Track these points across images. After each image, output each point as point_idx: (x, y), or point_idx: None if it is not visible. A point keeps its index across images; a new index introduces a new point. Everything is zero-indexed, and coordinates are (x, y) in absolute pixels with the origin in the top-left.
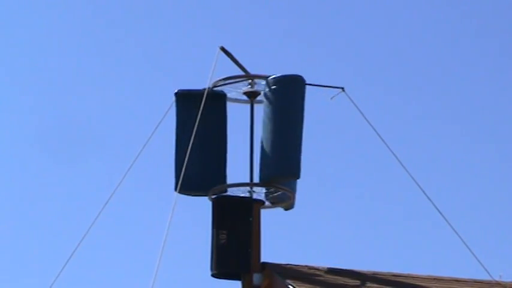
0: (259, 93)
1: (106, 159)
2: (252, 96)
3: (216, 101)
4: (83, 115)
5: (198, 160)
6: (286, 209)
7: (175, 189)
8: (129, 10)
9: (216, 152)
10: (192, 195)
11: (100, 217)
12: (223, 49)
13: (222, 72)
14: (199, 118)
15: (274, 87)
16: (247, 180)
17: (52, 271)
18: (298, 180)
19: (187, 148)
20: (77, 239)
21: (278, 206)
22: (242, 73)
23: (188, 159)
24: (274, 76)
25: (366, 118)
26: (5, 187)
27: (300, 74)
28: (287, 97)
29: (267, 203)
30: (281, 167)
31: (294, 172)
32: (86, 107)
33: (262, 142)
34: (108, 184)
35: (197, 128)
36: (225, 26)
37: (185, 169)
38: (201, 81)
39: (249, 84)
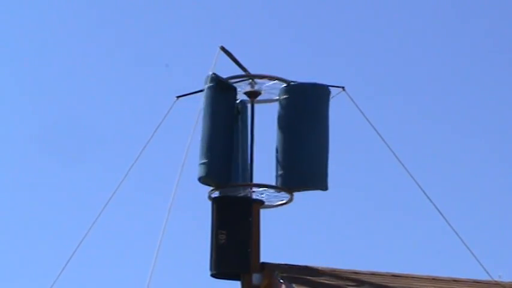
0: (260, 93)
1: (107, 159)
2: (252, 96)
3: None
4: (83, 115)
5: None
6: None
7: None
8: (129, 10)
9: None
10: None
11: (100, 217)
12: (223, 49)
13: (222, 72)
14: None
15: (310, 94)
16: (247, 181)
17: (52, 271)
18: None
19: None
20: (77, 239)
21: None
22: (242, 73)
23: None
24: (298, 83)
25: (366, 117)
26: (5, 187)
27: (301, 73)
28: (320, 107)
29: (268, 203)
30: (313, 178)
31: (325, 185)
32: (86, 107)
33: (288, 145)
34: (109, 184)
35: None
36: (225, 25)
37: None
38: (201, 81)
39: (250, 84)
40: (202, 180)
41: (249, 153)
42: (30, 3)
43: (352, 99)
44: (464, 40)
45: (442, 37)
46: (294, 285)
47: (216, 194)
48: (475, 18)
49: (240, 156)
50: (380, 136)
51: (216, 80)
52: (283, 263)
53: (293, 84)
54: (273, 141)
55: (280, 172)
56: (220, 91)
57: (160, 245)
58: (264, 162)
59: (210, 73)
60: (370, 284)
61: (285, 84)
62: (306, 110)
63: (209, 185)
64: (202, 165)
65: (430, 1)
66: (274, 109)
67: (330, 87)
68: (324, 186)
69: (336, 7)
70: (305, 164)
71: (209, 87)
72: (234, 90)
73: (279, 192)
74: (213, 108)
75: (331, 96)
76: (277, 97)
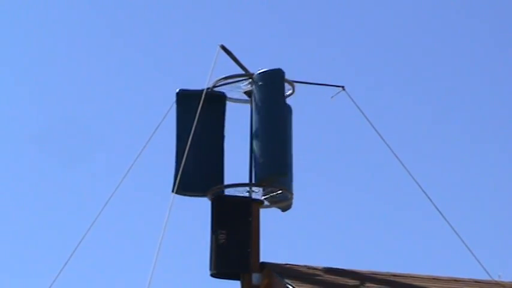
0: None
1: (107, 159)
2: (252, 95)
3: (216, 102)
4: (82, 115)
5: (196, 161)
6: (283, 210)
7: (172, 190)
8: (129, 9)
9: (214, 153)
10: (189, 196)
11: (100, 217)
12: (223, 48)
13: (222, 71)
14: (199, 119)
15: (259, 83)
16: (247, 180)
17: (52, 271)
18: (293, 179)
19: (186, 148)
20: (76, 238)
21: (276, 207)
22: (242, 72)
23: (186, 159)
24: (259, 72)
25: (366, 117)
26: (5, 188)
27: (301, 72)
28: (267, 93)
29: (266, 203)
30: (268, 166)
31: (281, 171)
32: (86, 107)
33: (253, 141)
34: (109, 184)
35: (196, 128)
36: (225, 24)
37: (183, 169)
38: (201, 80)
39: (249, 83)
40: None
41: (249, 153)
42: (30, 4)
43: (351, 99)
44: (464, 40)
45: (442, 37)
46: (294, 285)
47: (216, 194)
48: (475, 18)
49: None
50: (379, 135)
51: (181, 95)
52: (283, 263)
53: (254, 76)
54: None
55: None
56: (185, 104)
57: (160, 245)
58: None
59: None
60: (371, 283)
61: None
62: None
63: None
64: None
65: (430, 1)
66: None
67: (330, 87)
68: (283, 173)
69: (336, 7)
70: (263, 154)
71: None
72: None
73: (278, 192)
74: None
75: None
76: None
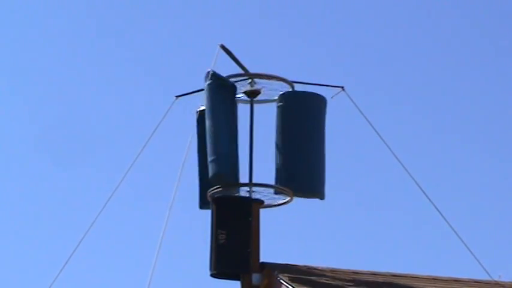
0: (259, 93)
1: (106, 159)
2: (252, 95)
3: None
4: (81, 116)
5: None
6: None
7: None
8: (128, 10)
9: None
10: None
11: (100, 218)
12: (223, 47)
13: (221, 70)
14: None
15: (294, 101)
16: (247, 180)
17: (51, 271)
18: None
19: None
20: (76, 239)
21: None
22: (242, 72)
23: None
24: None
25: (365, 117)
26: (4, 188)
27: (300, 72)
28: (318, 116)
29: (267, 203)
30: (312, 187)
31: (322, 194)
32: (84, 107)
33: (287, 155)
34: (108, 185)
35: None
36: (225, 24)
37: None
38: (201, 80)
39: (249, 83)
40: (214, 178)
41: (249, 153)
42: (29, 4)
43: (351, 99)
44: (463, 41)
45: (441, 37)
46: (294, 285)
47: (217, 193)
48: (475, 18)
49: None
50: (379, 136)
51: (215, 77)
52: (283, 263)
53: (292, 92)
54: (273, 141)
55: (280, 178)
56: (221, 88)
57: (160, 245)
58: (264, 162)
59: (209, 70)
60: (370, 283)
61: (285, 90)
62: (305, 118)
63: (219, 183)
64: (212, 163)
65: (430, 1)
66: (273, 109)
67: (330, 87)
68: (321, 196)
69: (336, 6)
70: (304, 173)
71: (209, 85)
72: (234, 88)
73: (278, 193)
74: (216, 106)
75: (326, 104)
76: (276, 102)
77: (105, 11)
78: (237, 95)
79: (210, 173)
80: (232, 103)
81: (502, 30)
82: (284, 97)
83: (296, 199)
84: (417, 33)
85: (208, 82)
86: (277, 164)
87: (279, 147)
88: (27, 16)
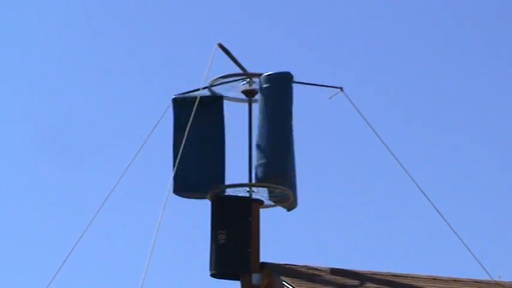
0: (257, 92)
1: (104, 160)
2: (250, 94)
3: (213, 103)
4: (80, 116)
5: (196, 162)
6: (288, 210)
7: (174, 191)
8: (126, 10)
9: (215, 153)
10: (191, 198)
11: (96, 218)
12: (221, 46)
13: (219, 69)
14: (197, 121)
15: (265, 85)
16: (247, 180)
17: (49, 271)
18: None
19: (185, 151)
20: (73, 239)
21: (280, 206)
22: (240, 71)
23: (186, 161)
24: (266, 74)
25: (364, 118)
26: (2, 188)
27: (299, 73)
28: (276, 95)
29: (267, 203)
30: (268, 168)
31: (280, 173)
32: (83, 108)
33: (257, 142)
34: (105, 186)
35: (195, 130)
36: (222, 23)
37: (184, 171)
38: (199, 78)
39: (247, 82)
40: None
41: (248, 152)
42: (28, 4)
43: (350, 100)
44: (463, 41)
45: (440, 37)
46: (294, 285)
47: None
48: (475, 18)
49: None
50: (378, 136)
51: (177, 100)
52: (283, 263)
53: (261, 77)
54: None
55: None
56: (186, 107)
57: (154, 246)
58: None
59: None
60: (371, 283)
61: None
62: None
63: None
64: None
65: (430, 1)
66: None
67: (328, 87)
68: (283, 176)
69: (335, 7)
70: (264, 155)
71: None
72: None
73: (278, 192)
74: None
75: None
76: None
77: (103, 11)
78: (233, 96)
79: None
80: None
81: (501, 30)
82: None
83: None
84: (416, 33)
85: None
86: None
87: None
88: (27, 17)
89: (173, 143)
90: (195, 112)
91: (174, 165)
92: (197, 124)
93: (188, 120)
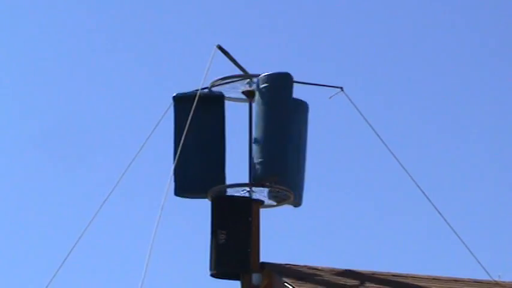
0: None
1: (104, 160)
2: (250, 95)
3: (213, 102)
4: (80, 116)
5: (197, 162)
6: (295, 206)
7: (175, 193)
8: (126, 10)
9: (215, 153)
10: (191, 198)
11: (97, 218)
12: (220, 48)
13: (219, 71)
14: (198, 121)
15: (264, 85)
16: (247, 180)
17: (49, 270)
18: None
19: (186, 151)
20: (74, 239)
21: (285, 204)
22: (240, 72)
23: (187, 161)
24: (265, 74)
25: (364, 118)
26: (2, 188)
27: (299, 73)
28: (275, 95)
29: (267, 203)
30: (265, 167)
31: (278, 171)
32: (83, 108)
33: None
34: (106, 185)
35: (195, 130)
36: (222, 25)
37: (184, 172)
38: (198, 81)
39: (247, 83)
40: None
41: (248, 152)
42: (28, 4)
43: (350, 100)
44: (463, 41)
45: (441, 37)
46: (294, 285)
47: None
48: (474, 18)
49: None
50: (378, 136)
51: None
52: (283, 263)
53: (260, 77)
54: None
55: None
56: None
57: (152, 246)
58: None
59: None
60: (371, 283)
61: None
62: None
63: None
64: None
65: (430, 2)
66: None
67: (329, 87)
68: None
69: (335, 7)
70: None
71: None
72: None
73: (279, 192)
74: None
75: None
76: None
77: (104, 11)
78: (234, 97)
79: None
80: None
81: (501, 30)
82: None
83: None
84: (416, 33)
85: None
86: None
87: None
88: (28, 17)
89: (174, 142)
90: (196, 110)
91: (174, 166)
92: (198, 123)
93: (188, 119)
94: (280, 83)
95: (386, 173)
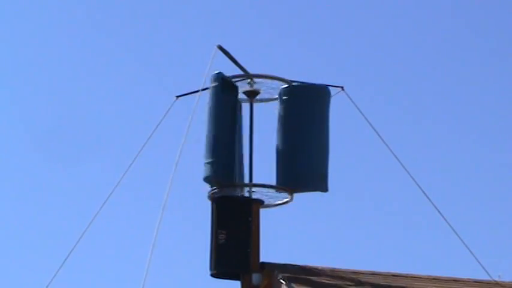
0: (259, 92)
1: (105, 159)
2: (251, 95)
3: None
4: (81, 115)
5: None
6: (323, 191)
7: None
8: (127, 10)
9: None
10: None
11: (98, 218)
12: (220, 48)
13: (220, 70)
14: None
15: (308, 94)
16: (247, 181)
17: (49, 271)
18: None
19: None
20: (74, 238)
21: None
22: (241, 72)
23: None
24: (304, 82)
25: (365, 117)
26: (2, 188)
27: (299, 73)
28: (320, 108)
29: (267, 203)
30: (313, 180)
31: (325, 187)
32: (84, 107)
33: (288, 146)
34: (108, 184)
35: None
36: (222, 24)
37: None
38: (199, 80)
39: (248, 83)
40: (208, 180)
41: (249, 152)
42: (28, 4)
43: (351, 99)
44: (463, 40)
45: (441, 37)
46: (294, 285)
47: (217, 193)
48: (474, 18)
49: (237, 156)
50: (379, 136)
51: (221, 78)
52: (283, 263)
53: (294, 85)
54: (273, 141)
55: (280, 172)
56: (225, 90)
57: (154, 246)
58: (264, 162)
59: (216, 72)
60: (370, 284)
61: (285, 85)
62: (306, 111)
63: (213, 185)
64: (207, 165)
65: (430, 2)
66: (273, 108)
67: (329, 87)
68: (323, 188)
69: (335, 6)
70: (305, 165)
71: (214, 87)
72: (236, 89)
73: (279, 192)
74: (219, 108)
75: (331, 96)
76: (277, 97)
77: (105, 11)
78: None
79: (205, 174)
80: (236, 104)
81: (501, 31)
82: (288, 90)
83: (297, 199)
84: (417, 33)
85: (214, 84)
86: (278, 158)
87: (281, 141)
88: (27, 16)
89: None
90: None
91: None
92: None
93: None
94: (320, 96)
95: (386, 173)
